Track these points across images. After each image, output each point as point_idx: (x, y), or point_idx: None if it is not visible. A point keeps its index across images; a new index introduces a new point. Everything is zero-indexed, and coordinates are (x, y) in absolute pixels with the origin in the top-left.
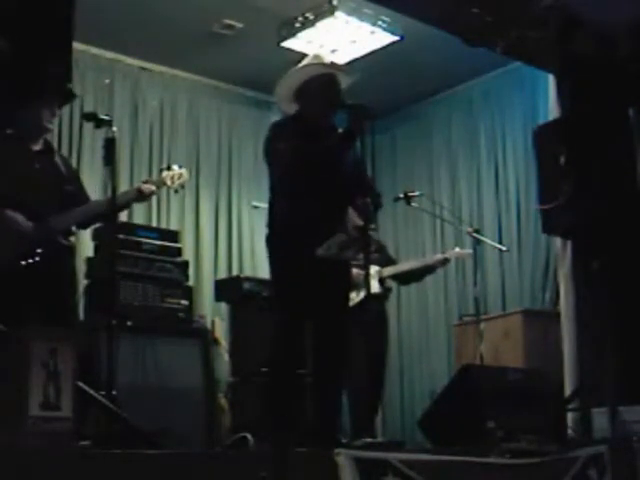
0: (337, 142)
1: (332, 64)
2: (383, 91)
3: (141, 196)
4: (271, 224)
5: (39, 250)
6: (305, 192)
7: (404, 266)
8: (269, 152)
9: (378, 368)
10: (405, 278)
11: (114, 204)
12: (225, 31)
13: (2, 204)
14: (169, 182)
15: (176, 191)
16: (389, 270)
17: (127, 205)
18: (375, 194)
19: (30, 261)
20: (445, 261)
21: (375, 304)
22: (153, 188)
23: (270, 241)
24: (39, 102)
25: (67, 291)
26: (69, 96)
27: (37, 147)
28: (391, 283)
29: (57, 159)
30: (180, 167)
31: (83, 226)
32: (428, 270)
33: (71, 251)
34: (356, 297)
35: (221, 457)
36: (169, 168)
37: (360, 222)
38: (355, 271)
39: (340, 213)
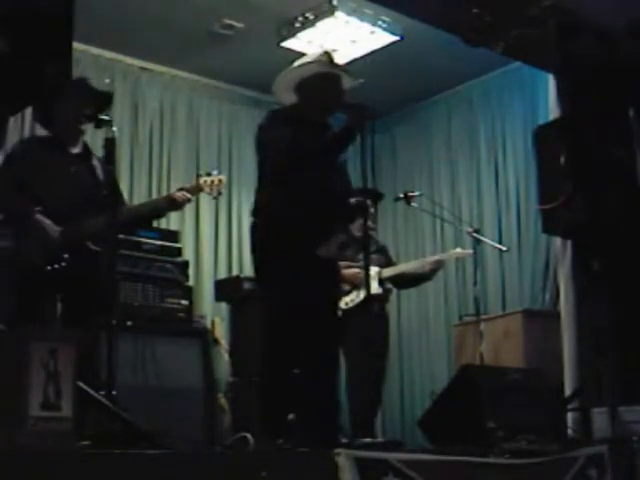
0: (334, 139)
1: (338, 65)
2: (383, 91)
3: (174, 204)
4: (257, 213)
5: (66, 255)
6: (298, 182)
7: (403, 267)
8: (263, 139)
9: (378, 368)
10: (402, 283)
11: (114, 205)
12: (225, 31)
13: (35, 206)
14: (207, 190)
15: (214, 198)
16: (389, 271)
17: (159, 213)
18: (376, 194)
19: (56, 266)
20: (438, 264)
21: (375, 305)
22: (188, 196)
23: (255, 230)
24: (73, 103)
25: (94, 295)
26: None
27: (75, 150)
28: (391, 285)
29: (95, 162)
30: (219, 172)
31: (118, 233)
32: (424, 277)
33: (104, 257)
34: (356, 297)
35: (221, 457)
36: (208, 174)
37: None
38: (355, 271)
39: (335, 208)
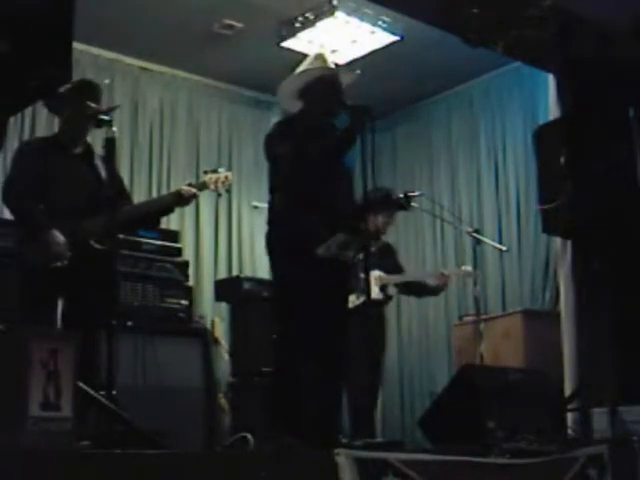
0: (337, 141)
1: (335, 65)
2: (383, 91)
3: (181, 199)
4: (271, 222)
5: (69, 254)
6: (306, 193)
7: (408, 276)
8: (269, 153)
9: (376, 369)
10: (406, 290)
11: (117, 204)
12: (225, 31)
13: (36, 203)
14: (212, 187)
15: (220, 195)
16: (393, 278)
17: (167, 209)
18: (399, 203)
19: (59, 264)
20: (444, 279)
21: (374, 308)
22: (194, 191)
23: (270, 239)
24: (83, 104)
25: (97, 295)
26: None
27: (77, 150)
28: (393, 290)
29: (97, 162)
30: (226, 170)
31: (123, 230)
32: (430, 291)
33: (106, 256)
34: (356, 300)
35: (221, 457)
36: (214, 171)
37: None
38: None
39: (342, 213)
